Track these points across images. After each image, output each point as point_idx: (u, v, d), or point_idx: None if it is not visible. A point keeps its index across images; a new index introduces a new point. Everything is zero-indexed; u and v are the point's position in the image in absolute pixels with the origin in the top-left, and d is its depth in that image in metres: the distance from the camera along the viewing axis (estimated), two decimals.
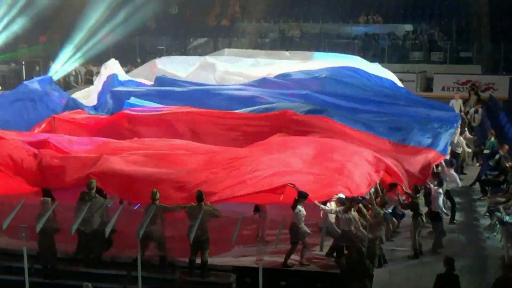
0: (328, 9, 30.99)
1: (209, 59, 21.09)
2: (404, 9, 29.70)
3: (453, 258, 8.62)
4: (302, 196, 9.98)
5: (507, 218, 11.49)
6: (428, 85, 24.59)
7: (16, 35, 27.71)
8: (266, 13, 31.32)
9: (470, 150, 17.15)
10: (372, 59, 24.00)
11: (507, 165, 14.38)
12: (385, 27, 28.84)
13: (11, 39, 27.31)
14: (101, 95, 18.10)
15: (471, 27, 28.48)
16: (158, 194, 10.30)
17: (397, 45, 27.66)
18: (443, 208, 11.37)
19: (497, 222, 11.93)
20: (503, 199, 12.57)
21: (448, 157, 14.30)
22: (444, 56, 26.31)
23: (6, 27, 27.14)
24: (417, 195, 11.59)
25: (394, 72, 21.40)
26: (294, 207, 10.05)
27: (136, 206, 10.82)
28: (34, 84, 18.06)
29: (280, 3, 32.16)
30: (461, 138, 16.39)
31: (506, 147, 15.14)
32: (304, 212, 10.40)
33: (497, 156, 14.63)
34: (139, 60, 25.24)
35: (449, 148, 15.06)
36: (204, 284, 10.63)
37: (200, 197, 10.08)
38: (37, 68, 26.72)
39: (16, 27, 27.49)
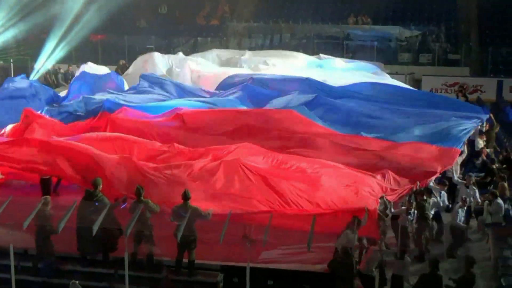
0: (318, 10, 30.81)
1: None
2: (393, 12, 29.64)
3: (437, 259, 8.61)
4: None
5: (489, 219, 11.52)
6: (416, 87, 23.43)
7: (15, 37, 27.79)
8: (256, 13, 30.90)
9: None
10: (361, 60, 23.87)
11: (493, 166, 14.24)
12: (375, 28, 28.69)
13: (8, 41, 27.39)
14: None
15: (459, 30, 28.52)
16: (143, 190, 10.24)
17: (386, 46, 27.33)
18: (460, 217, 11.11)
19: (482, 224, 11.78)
20: (486, 201, 12.27)
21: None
22: (432, 58, 26.30)
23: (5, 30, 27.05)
24: (424, 198, 11.21)
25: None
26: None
27: (123, 205, 10.41)
28: (22, 82, 18.37)
29: (269, 4, 31.83)
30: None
31: (486, 151, 15.29)
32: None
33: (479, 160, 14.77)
34: (123, 62, 24.77)
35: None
36: (191, 283, 10.48)
37: (185, 196, 10.04)
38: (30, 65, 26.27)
39: (15, 31, 27.15)
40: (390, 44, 27.78)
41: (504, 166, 14.73)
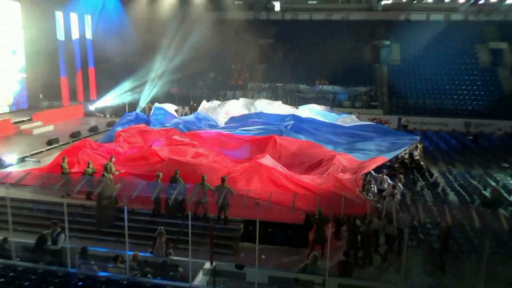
0: (298, 75, 37.42)
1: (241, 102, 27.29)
2: (341, 77, 35.86)
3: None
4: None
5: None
6: None
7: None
8: (264, 78, 37.66)
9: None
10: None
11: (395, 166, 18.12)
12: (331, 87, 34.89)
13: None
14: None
15: (377, 89, 35.03)
16: (206, 177, 13.12)
17: (337, 98, 34.29)
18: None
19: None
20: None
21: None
22: (362, 105, 33.38)
23: None
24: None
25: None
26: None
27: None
28: (132, 114, 24.45)
29: (270, 72, 38.04)
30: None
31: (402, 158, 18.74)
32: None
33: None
34: (192, 103, 31.62)
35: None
36: (226, 230, 13.28)
37: (223, 180, 12.83)
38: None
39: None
40: (340, 97, 34.30)
41: (401, 166, 18.89)
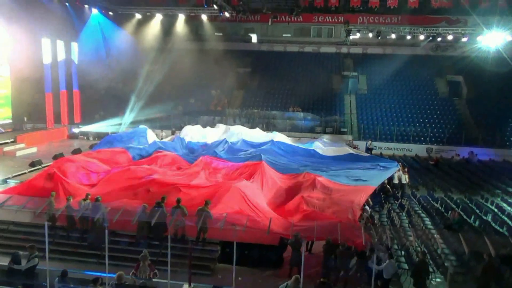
0: (273, 102, 38.28)
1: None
2: (313, 106, 36.97)
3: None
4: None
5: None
6: None
7: None
8: (241, 104, 38.13)
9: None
10: (293, 132, 31.88)
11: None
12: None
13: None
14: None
15: (347, 117, 36.12)
16: (181, 199, 13.30)
17: (310, 124, 34.45)
18: None
19: None
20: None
21: None
22: (333, 131, 33.88)
23: None
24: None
25: (306, 138, 28.95)
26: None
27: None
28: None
29: (247, 98, 38.68)
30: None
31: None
32: None
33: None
34: (173, 129, 32.05)
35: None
36: (203, 250, 13.15)
37: (207, 203, 13.10)
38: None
39: None
40: (312, 123, 34.66)
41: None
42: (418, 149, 31.47)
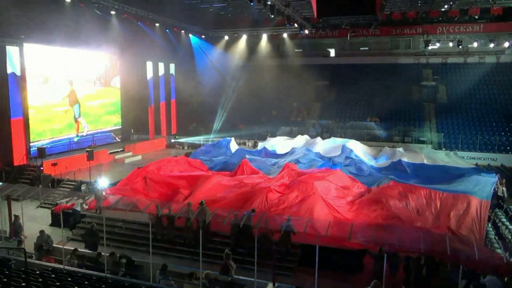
0: (351, 114, 36.56)
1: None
2: (391, 116, 34.90)
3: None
4: None
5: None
6: None
7: None
8: (319, 115, 37.67)
9: None
10: (370, 142, 30.58)
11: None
12: None
13: None
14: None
15: (426, 126, 33.60)
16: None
17: (387, 134, 32.75)
18: None
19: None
20: None
21: None
22: (412, 140, 31.96)
23: None
24: None
25: (381, 147, 27.72)
26: None
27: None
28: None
29: (325, 110, 38.17)
30: None
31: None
32: None
33: None
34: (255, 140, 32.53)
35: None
36: (286, 253, 13.18)
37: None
38: None
39: None
40: (389, 132, 32.76)
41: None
42: (504, 159, 28.81)
